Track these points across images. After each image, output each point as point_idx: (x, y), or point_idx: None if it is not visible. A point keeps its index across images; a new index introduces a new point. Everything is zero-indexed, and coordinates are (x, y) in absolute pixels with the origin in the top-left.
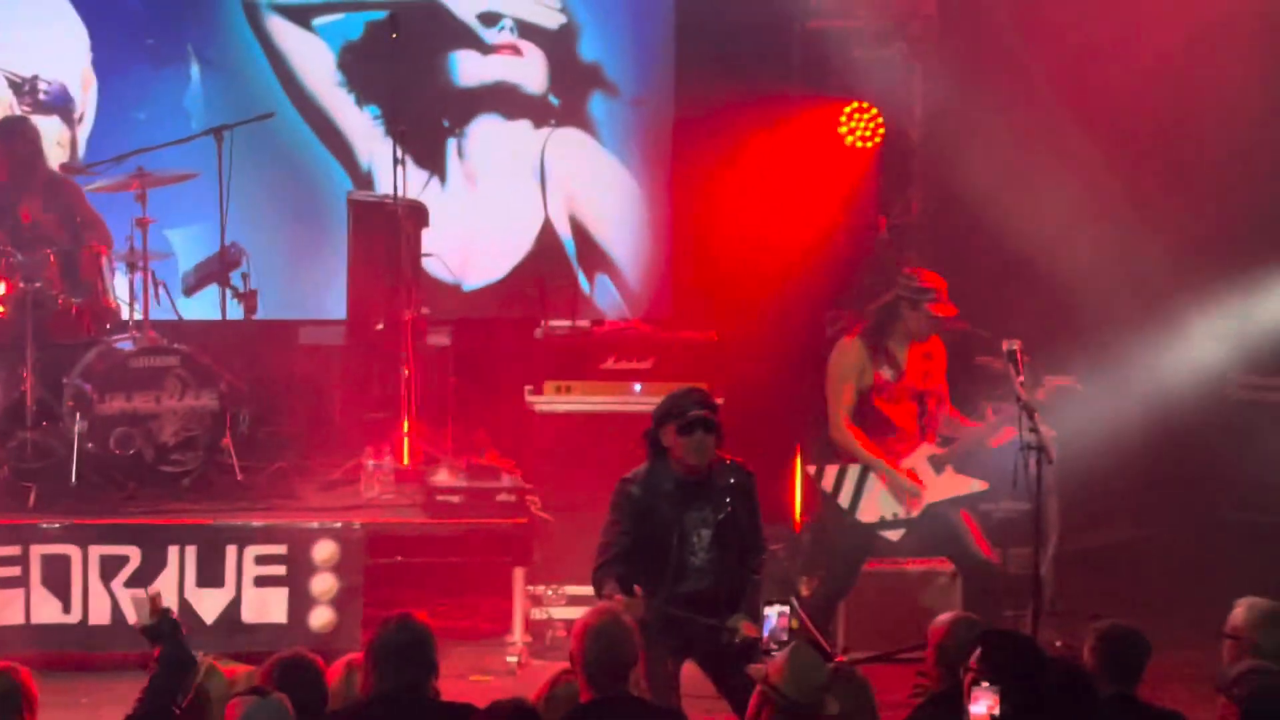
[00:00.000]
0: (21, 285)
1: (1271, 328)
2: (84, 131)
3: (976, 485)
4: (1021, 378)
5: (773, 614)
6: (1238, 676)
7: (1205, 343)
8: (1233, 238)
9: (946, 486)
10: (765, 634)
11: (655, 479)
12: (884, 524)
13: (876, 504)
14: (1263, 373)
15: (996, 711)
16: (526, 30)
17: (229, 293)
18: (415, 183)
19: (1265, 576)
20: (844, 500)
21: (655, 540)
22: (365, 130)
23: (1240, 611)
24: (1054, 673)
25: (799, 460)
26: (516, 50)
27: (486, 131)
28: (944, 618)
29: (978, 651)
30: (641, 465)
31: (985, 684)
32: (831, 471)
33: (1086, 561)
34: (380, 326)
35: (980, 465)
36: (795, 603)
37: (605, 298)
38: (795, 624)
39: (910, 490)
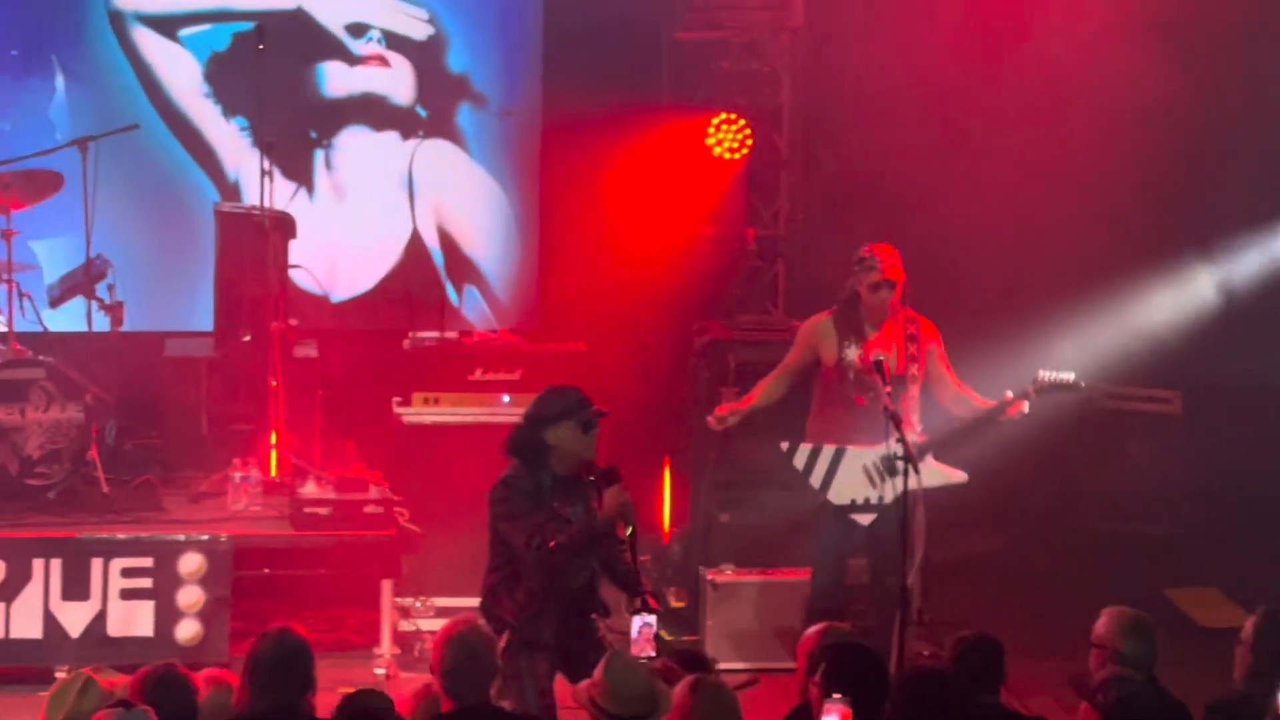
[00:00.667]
0: None
1: (1137, 339)
2: None
3: (957, 476)
4: (888, 387)
5: (639, 624)
6: (1101, 684)
7: (1070, 353)
8: (1101, 250)
9: (925, 476)
10: (632, 645)
11: (535, 478)
12: (855, 507)
13: (849, 486)
14: (1127, 383)
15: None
16: (394, 41)
17: (95, 304)
18: (282, 194)
19: (1128, 585)
20: (815, 480)
21: (560, 522)
22: (232, 141)
23: (1105, 620)
24: (922, 683)
25: (667, 472)
26: (384, 61)
27: (354, 143)
28: (815, 629)
29: (823, 665)
30: (512, 468)
31: (837, 696)
32: (804, 450)
33: (953, 572)
34: (247, 338)
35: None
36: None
37: (473, 309)
38: (665, 634)
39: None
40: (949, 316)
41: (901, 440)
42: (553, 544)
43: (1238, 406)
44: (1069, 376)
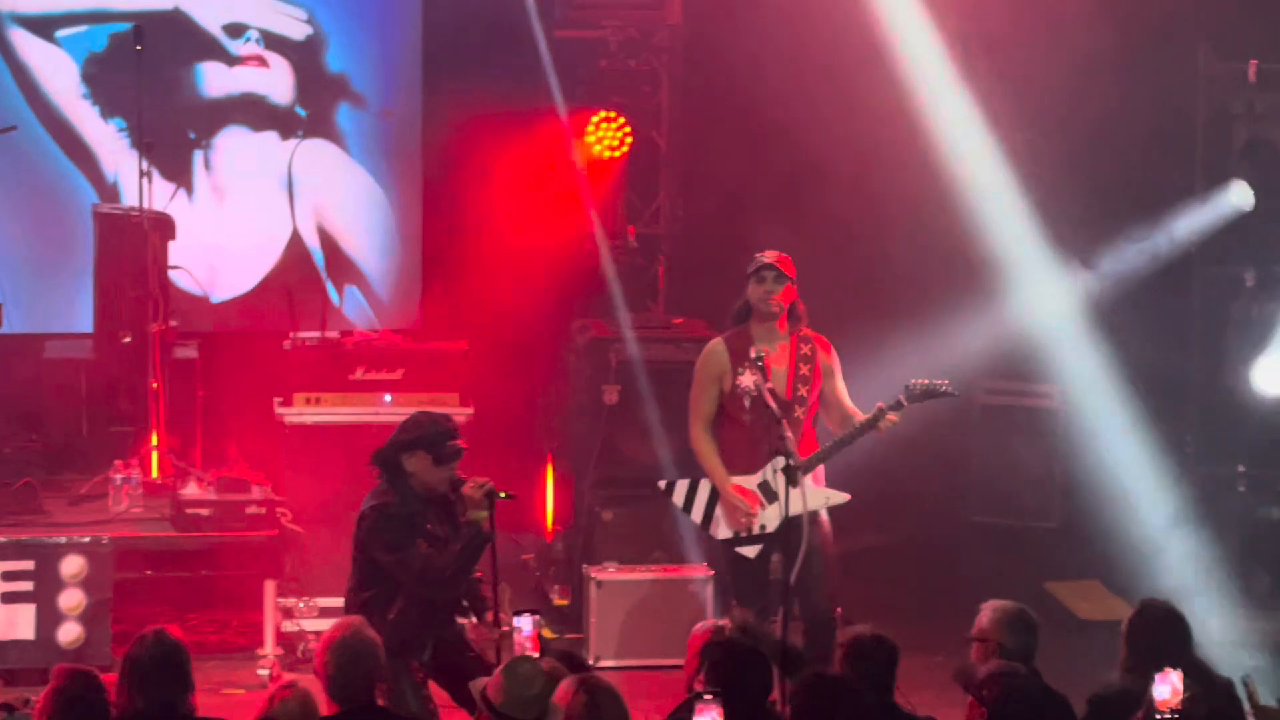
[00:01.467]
0: None
1: (1017, 335)
2: None
3: (836, 496)
4: (770, 383)
5: (524, 624)
6: (986, 679)
7: (953, 348)
8: (982, 246)
9: (801, 500)
10: (515, 643)
11: (405, 501)
12: (738, 540)
13: (729, 521)
14: (1008, 378)
15: None
16: (272, 41)
17: None
18: (161, 195)
19: (1010, 579)
20: (696, 517)
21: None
22: (111, 142)
23: (986, 614)
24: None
25: (550, 470)
26: (262, 61)
27: (233, 143)
28: (701, 626)
29: (706, 664)
30: (382, 487)
31: (709, 696)
32: (683, 486)
33: (840, 568)
34: (127, 340)
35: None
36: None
37: (355, 309)
38: (547, 632)
39: (742, 509)
40: (829, 308)
41: (783, 438)
42: (447, 575)
43: (1116, 399)
44: (941, 383)
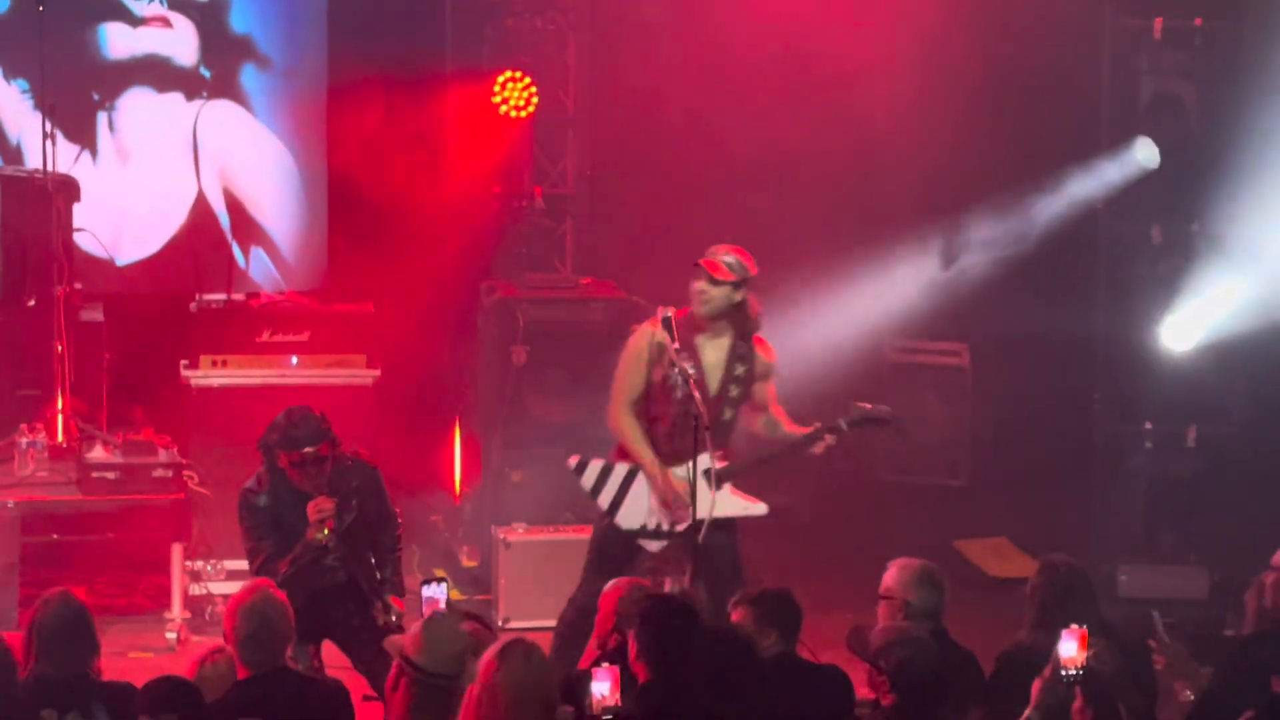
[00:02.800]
0: None
1: (926, 292)
2: None
3: (755, 508)
4: (676, 345)
5: (432, 591)
6: (882, 647)
7: (862, 304)
8: (891, 199)
9: (720, 504)
10: (425, 610)
11: (277, 488)
12: (644, 533)
13: (639, 510)
14: (916, 335)
15: (617, 696)
16: (176, 2)
17: None
18: (65, 157)
19: (919, 536)
20: (604, 501)
21: (285, 542)
22: (14, 104)
23: (893, 572)
24: (713, 640)
25: (458, 431)
26: (166, 22)
27: (138, 104)
28: (615, 583)
29: (639, 620)
30: (261, 471)
31: (605, 665)
32: (595, 467)
33: (748, 527)
34: (32, 303)
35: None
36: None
37: (261, 271)
38: (455, 594)
39: (676, 500)
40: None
41: (691, 399)
42: (282, 570)
43: (1024, 357)
44: (883, 410)
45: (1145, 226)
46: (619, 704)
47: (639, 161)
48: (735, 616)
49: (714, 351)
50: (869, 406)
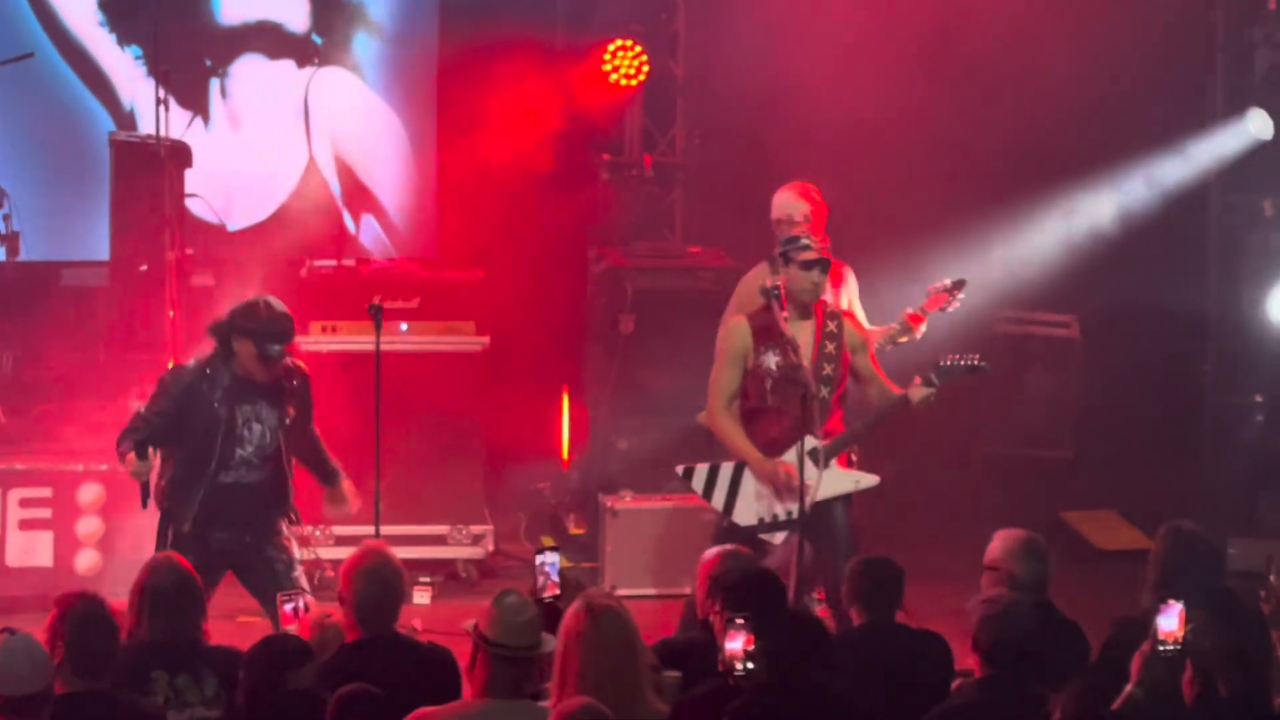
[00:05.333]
0: None
1: (1035, 264)
2: None
3: (866, 479)
4: (786, 313)
5: (545, 559)
6: (978, 619)
7: (970, 276)
8: (1003, 170)
9: (828, 483)
10: (540, 581)
11: (215, 371)
12: (763, 526)
13: (753, 505)
14: (1025, 307)
15: (751, 647)
16: None
17: None
18: (178, 123)
19: (1026, 509)
20: (718, 503)
21: (200, 427)
22: (127, 70)
23: (997, 543)
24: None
25: (566, 399)
26: None
27: (250, 71)
28: (713, 550)
29: (723, 591)
30: (203, 355)
31: (740, 620)
32: (703, 471)
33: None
34: (144, 268)
35: None
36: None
37: (370, 237)
38: (566, 562)
39: (784, 483)
40: (847, 235)
41: (799, 367)
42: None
43: (1134, 329)
44: (974, 359)
45: (1258, 198)
46: (751, 661)
47: (748, 130)
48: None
49: (803, 332)
50: (960, 358)
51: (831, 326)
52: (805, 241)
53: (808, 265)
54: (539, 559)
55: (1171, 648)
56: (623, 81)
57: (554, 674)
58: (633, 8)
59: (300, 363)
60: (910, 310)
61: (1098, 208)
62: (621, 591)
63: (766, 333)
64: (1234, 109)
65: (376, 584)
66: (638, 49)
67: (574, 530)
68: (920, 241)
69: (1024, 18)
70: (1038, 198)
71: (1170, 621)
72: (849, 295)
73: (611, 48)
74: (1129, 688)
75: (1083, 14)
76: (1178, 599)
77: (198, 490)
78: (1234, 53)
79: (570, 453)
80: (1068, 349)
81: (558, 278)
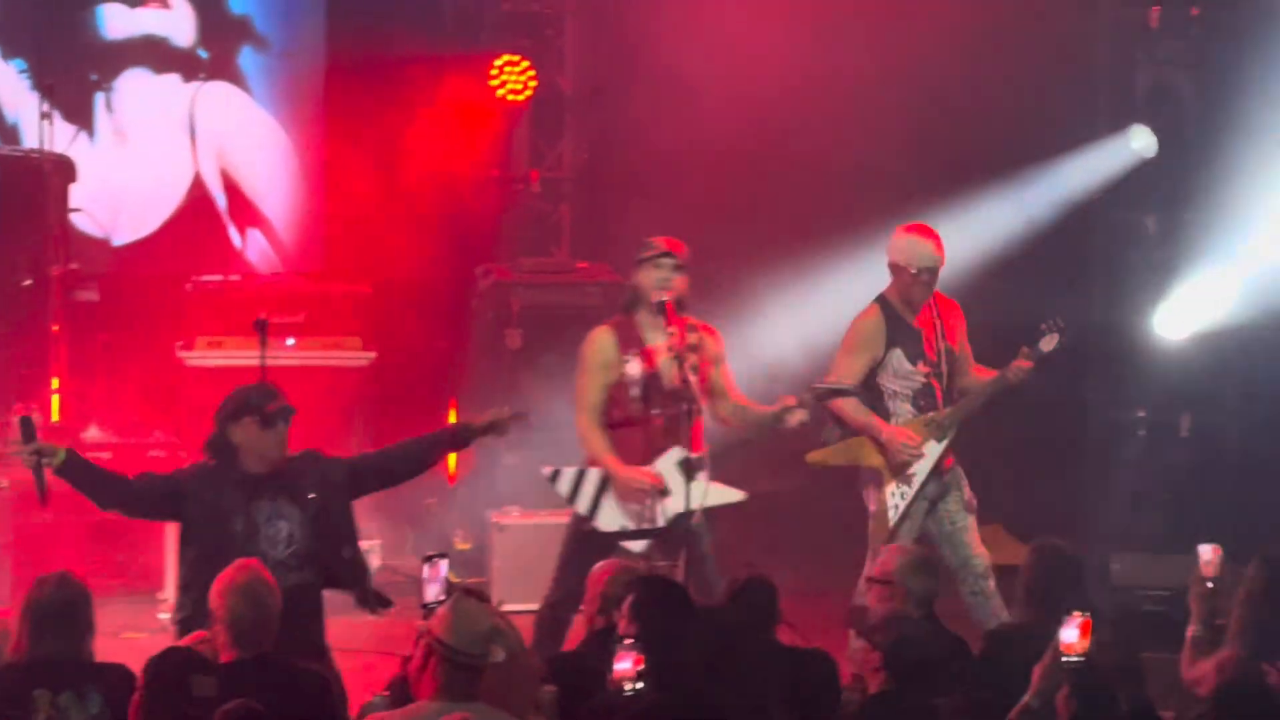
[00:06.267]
0: None
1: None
2: None
3: (733, 494)
4: (673, 328)
5: (434, 568)
6: (880, 624)
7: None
8: (887, 186)
9: (695, 495)
10: (429, 590)
11: (219, 473)
12: (625, 533)
13: (618, 511)
14: None
15: (641, 667)
16: None
17: None
18: (62, 137)
19: None
20: (582, 506)
21: (224, 539)
22: (11, 84)
23: (893, 558)
24: (703, 622)
25: (453, 414)
26: (164, 3)
27: (135, 85)
28: (603, 565)
29: (629, 599)
30: (199, 465)
31: (629, 642)
32: (570, 474)
33: (739, 512)
34: (28, 283)
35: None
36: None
37: (257, 252)
38: (454, 576)
39: (642, 488)
40: (739, 247)
41: (687, 382)
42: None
43: (1017, 345)
44: (845, 384)
45: (1141, 215)
46: (641, 681)
47: (635, 145)
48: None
49: (666, 347)
50: (833, 379)
51: (693, 339)
52: (651, 242)
53: (655, 263)
54: (426, 567)
55: (1075, 660)
56: (510, 96)
57: None
58: (521, 23)
59: (314, 449)
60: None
61: (980, 224)
62: (509, 607)
63: (629, 343)
64: (1117, 126)
65: (250, 601)
66: (525, 64)
67: (461, 546)
68: (808, 255)
69: (911, 31)
70: (922, 213)
71: (1071, 634)
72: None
73: (499, 63)
74: (1026, 698)
75: (968, 31)
76: (1047, 614)
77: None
78: (1116, 70)
79: (457, 468)
80: None
81: (445, 293)
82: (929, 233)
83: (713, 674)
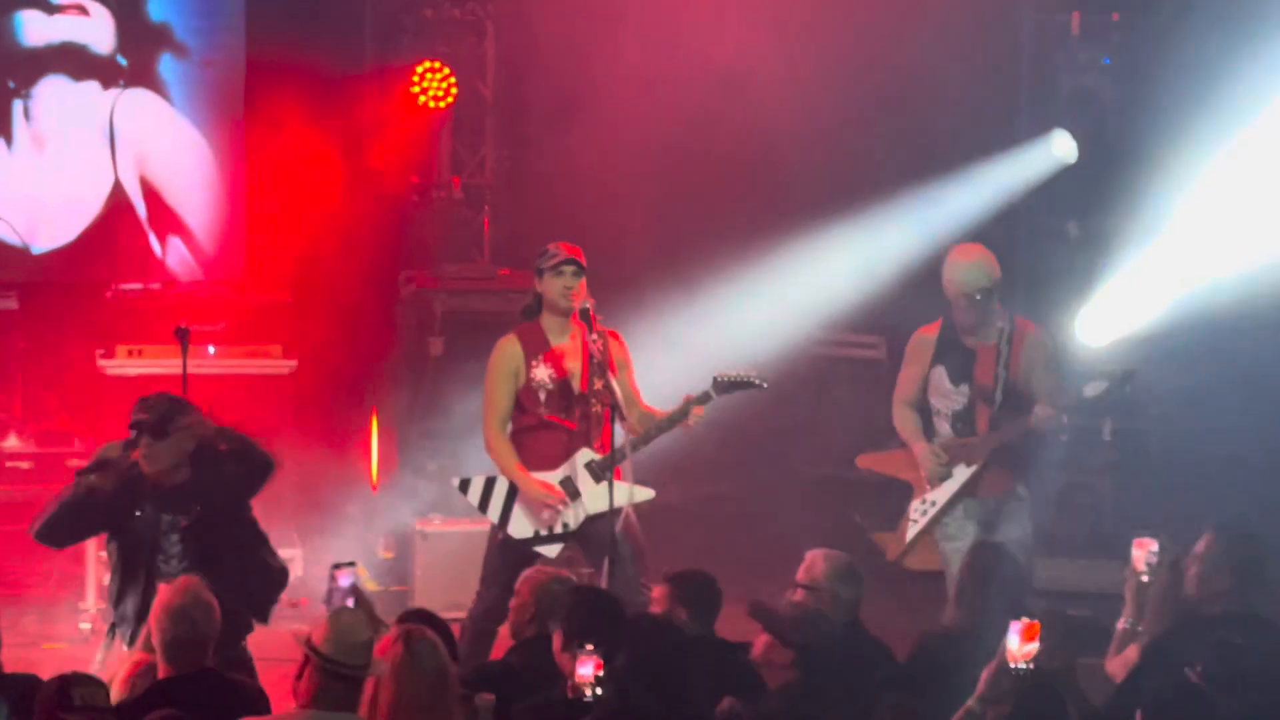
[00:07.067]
0: None
1: (846, 285)
2: None
3: (641, 493)
4: (594, 334)
5: (344, 573)
6: (795, 622)
7: (783, 298)
8: (813, 189)
9: (605, 496)
10: (335, 598)
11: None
12: (538, 539)
13: (528, 518)
14: (838, 329)
15: (601, 672)
16: None
17: None
18: None
19: (837, 529)
20: (493, 514)
21: (131, 543)
22: None
23: (820, 564)
24: (642, 626)
25: (375, 421)
26: (83, 10)
27: (53, 92)
28: (533, 571)
29: (568, 613)
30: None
31: (588, 647)
32: (479, 483)
33: (673, 516)
34: None
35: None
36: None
37: (177, 260)
38: (374, 584)
39: (547, 500)
40: (659, 256)
41: (607, 384)
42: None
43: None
44: (749, 375)
45: (1062, 221)
46: (600, 687)
47: (557, 152)
48: (654, 594)
49: (571, 351)
50: (735, 373)
51: (597, 342)
52: (551, 250)
53: (557, 270)
54: (335, 575)
55: (1023, 667)
56: (431, 104)
57: (364, 700)
58: (441, 30)
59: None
60: (692, 396)
61: (905, 229)
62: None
63: (535, 348)
64: (1038, 131)
65: (185, 623)
66: (446, 71)
67: (384, 554)
68: (724, 263)
69: (835, 36)
70: (847, 218)
71: (1015, 640)
72: (628, 363)
73: (420, 70)
74: (970, 702)
75: (889, 36)
76: (980, 615)
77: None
78: (1038, 76)
79: (380, 476)
80: (876, 370)
81: (367, 300)
82: (972, 253)
83: (654, 677)
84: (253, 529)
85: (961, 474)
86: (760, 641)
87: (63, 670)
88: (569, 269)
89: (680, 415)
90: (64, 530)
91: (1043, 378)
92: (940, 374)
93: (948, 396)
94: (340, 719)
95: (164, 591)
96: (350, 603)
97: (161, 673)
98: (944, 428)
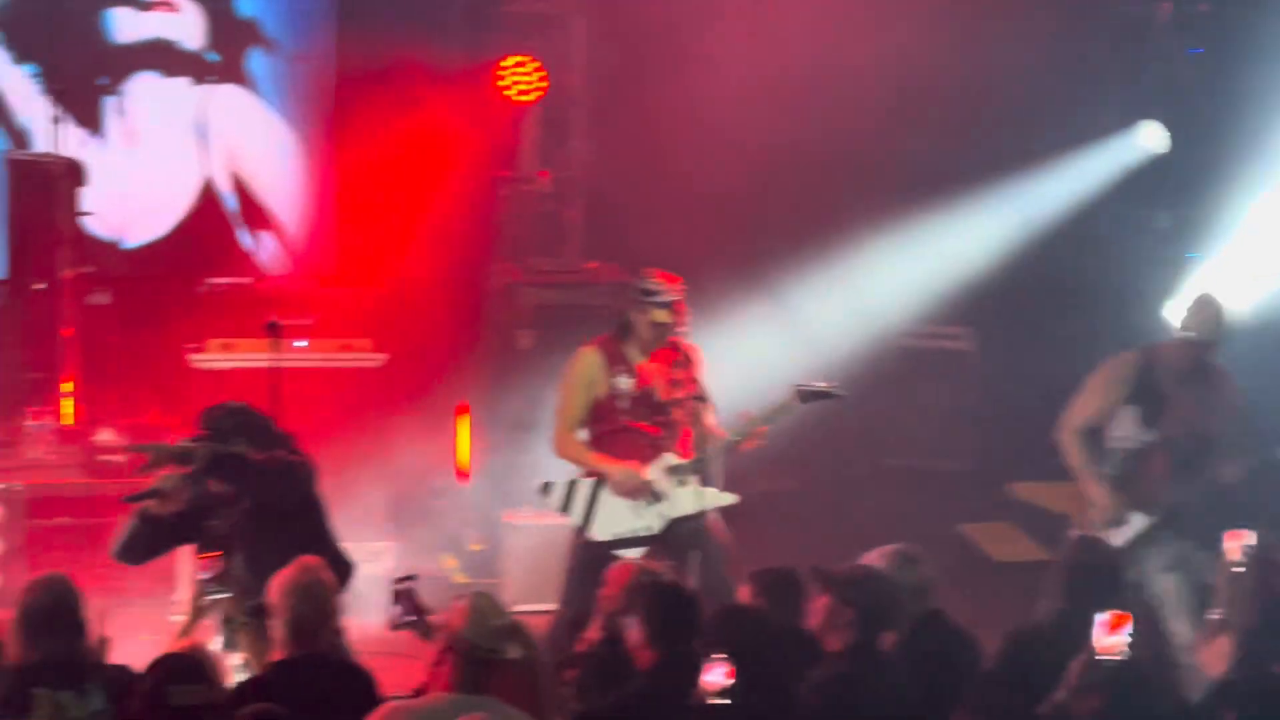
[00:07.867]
0: None
1: (936, 278)
2: None
3: (723, 498)
4: (679, 357)
5: (403, 590)
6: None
7: (868, 289)
8: (902, 187)
9: (689, 500)
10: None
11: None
12: (622, 541)
13: (612, 519)
14: (921, 320)
15: (733, 679)
16: None
17: None
18: (73, 141)
19: (924, 522)
20: (576, 517)
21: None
22: (22, 88)
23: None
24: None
25: (465, 414)
26: (173, 6)
27: (145, 88)
28: (624, 564)
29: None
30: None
31: (718, 654)
32: (561, 486)
33: (753, 510)
34: (40, 286)
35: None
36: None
37: (268, 254)
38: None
39: (630, 479)
40: (747, 249)
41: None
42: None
43: (1028, 340)
44: (827, 385)
45: (1151, 211)
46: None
47: (644, 144)
48: (740, 594)
49: (655, 362)
50: (818, 384)
51: (678, 356)
52: (656, 283)
53: (660, 305)
54: (396, 588)
55: (1110, 658)
56: (519, 97)
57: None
58: (531, 23)
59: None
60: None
61: (992, 221)
62: (521, 607)
63: (615, 359)
64: (1127, 122)
65: (306, 599)
66: (535, 64)
67: (474, 547)
68: (814, 258)
69: (919, 38)
70: (933, 210)
71: (1104, 631)
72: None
73: (508, 64)
74: (1058, 693)
75: (982, 30)
76: (1082, 608)
77: None
78: (1126, 66)
79: (469, 468)
80: (963, 361)
81: (456, 294)
82: (1206, 305)
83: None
84: (311, 528)
85: (1138, 523)
86: (819, 604)
87: (155, 660)
88: (666, 301)
89: (736, 439)
90: (139, 551)
91: (1229, 430)
92: (1130, 413)
93: (1129, 434)
94: (484, 703)
95: (288, 569)
96: (412, 615)
97: (277, 654)
98: (1113, 460)
